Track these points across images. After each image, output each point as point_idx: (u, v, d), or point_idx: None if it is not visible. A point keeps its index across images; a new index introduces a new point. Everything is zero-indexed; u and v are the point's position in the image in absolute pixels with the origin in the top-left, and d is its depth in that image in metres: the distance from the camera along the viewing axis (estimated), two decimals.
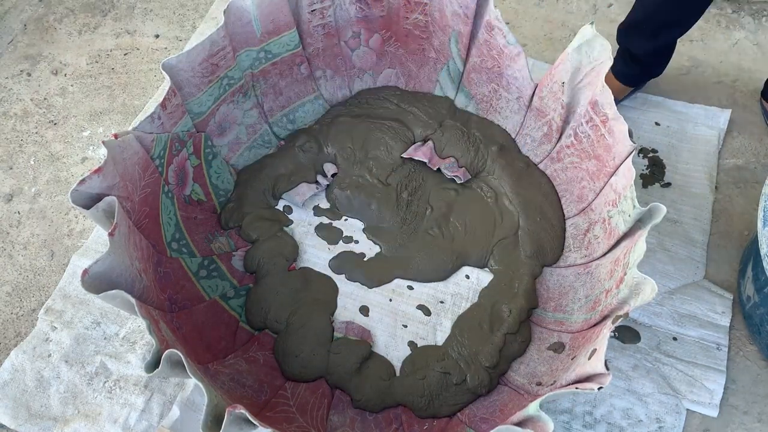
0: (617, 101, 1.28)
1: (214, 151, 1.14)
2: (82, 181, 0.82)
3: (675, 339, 1.05)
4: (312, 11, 1.15)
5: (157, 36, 1.55)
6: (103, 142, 0.86)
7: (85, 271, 0.76)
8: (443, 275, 1.11)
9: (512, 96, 1.17)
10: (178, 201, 1.07)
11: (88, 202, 0.83)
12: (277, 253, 1.12)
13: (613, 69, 1.24)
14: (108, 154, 0.86)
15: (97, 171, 0.84)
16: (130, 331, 1.10)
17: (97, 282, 0.78)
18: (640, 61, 1.19)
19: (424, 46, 1.24)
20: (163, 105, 0.96)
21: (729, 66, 1.39)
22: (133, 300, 0.76)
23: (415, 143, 1.25)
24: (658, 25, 1.10)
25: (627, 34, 1.18)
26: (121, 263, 0.82)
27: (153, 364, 0.74)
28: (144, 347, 1.08)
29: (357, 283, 1.11)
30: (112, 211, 0.83)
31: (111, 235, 0.80)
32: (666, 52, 1.21)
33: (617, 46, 1.24)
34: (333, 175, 1.23)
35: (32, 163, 1.34)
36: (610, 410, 0.99)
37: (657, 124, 1.30)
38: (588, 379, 0.74)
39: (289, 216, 1.19)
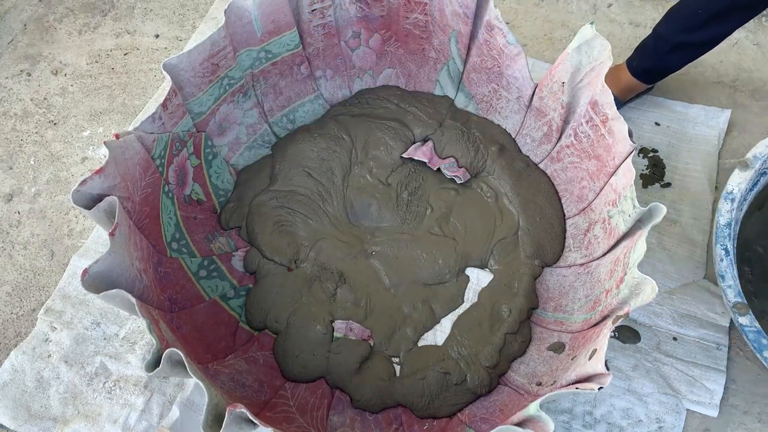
0: (625, 102, 1.28)
1: (214, 151, 1.14)
2: (84, 181, 0.82)
3: (675, 339, 1.05)
4: (312, 11, 1.15)
5: (157, 36, 1.55)
6: (105, 143, 0.86)
7: (85, 271, 0.76)
8: (443, 275, 1.11)
9: (512, 96, 1.17)
10: (178, 201, 1.07)
11: (89, 202, 0.83)
12: None
13: (632, 64, 1.23)
14: (109, 154, 0.86)
15: (99, 171, 0.84)
16: (130, 332, 1.10)
17: (97, 281, 0.78)
18: (689, 46, 1.13)
19: (424, 46, 1.24)
20: (164, 105, 0.96)
21: (729, 66, 1.39)
22: (133, 299, 0.76)
23: (415, 143, 1.25)
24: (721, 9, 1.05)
25: (678, 18, 1.11)
26: (122, 263, 0.82)
27: (153, 364, 0.74)
28: (144, 347, 1.08)
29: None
30: (113, 211, 0.83)
31: (111, 235, 0.80)
32: (714, 43, 1.14)
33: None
34: None
35: (32, 163, 1.35)
36: (610, 410, 0.99)
37: (657, 124, 1.30)
38: (588, 379, 0.74)
39: None
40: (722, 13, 1.05)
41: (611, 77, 1.24)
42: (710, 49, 1.15)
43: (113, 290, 0.75)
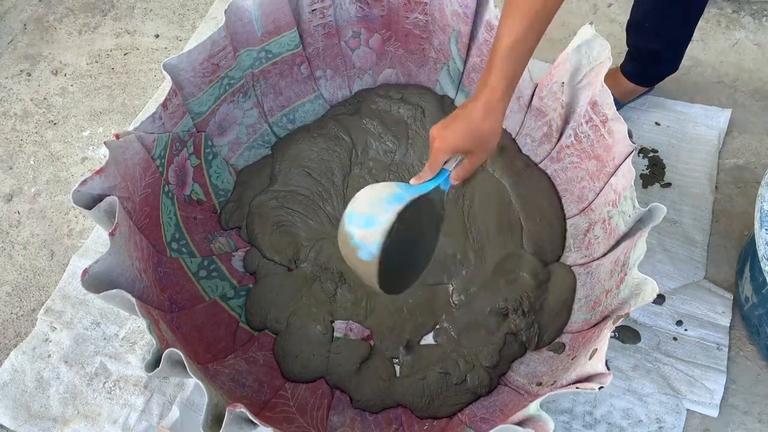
0: (625, 104, 1.28)
1: (214, 151, 1.15)
2: (84, 181, 0.82)
3: (675, 339, 1.05)
4: (312, 11, 1.15)
5: (157, 36, 1.55)
6: (105, 143, 0.86)
7: (85, 271, 0.76)
8: (443, 275, 1.11)
9: (512, 96, 1.17)
10: (178, 201, 1.07)
11: (90, 202, 0.83)
12: None
13: (624, 69, 1.24)
14: (110, 154, 0.86)
15: (99, 171, 0.84)
16: (130, 332, 1.10)
17: (97, 281, 0.78)
18: (656, 55, 1.17)
19: (424, 46, 1.24)
20: (164, 105, 0.96)
21: (729, 66, 1.39)
22: (133, 299, 0.76)
23: None
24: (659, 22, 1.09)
25: (633, 32, 1.16)
26: (122, 263, 0.82)
27: (153, 364, 0.74)
28: (144, 347, 1.08)
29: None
30: (113, 211, 0.83)
31: (112, 235, 0.80)
32: (679, 46, 1.17)
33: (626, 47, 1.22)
34: None
35: (32, 163, 1.35)
36: (610, 410, 0.99)
37: (657, 124, 1.30)
38: (588, 378, 0.74)
39: None
40: (663, 18, 1.06)
41: (610, 79, 1.24)
42: (685, 46, 1.16)
43: (113, 290, 0.75)
